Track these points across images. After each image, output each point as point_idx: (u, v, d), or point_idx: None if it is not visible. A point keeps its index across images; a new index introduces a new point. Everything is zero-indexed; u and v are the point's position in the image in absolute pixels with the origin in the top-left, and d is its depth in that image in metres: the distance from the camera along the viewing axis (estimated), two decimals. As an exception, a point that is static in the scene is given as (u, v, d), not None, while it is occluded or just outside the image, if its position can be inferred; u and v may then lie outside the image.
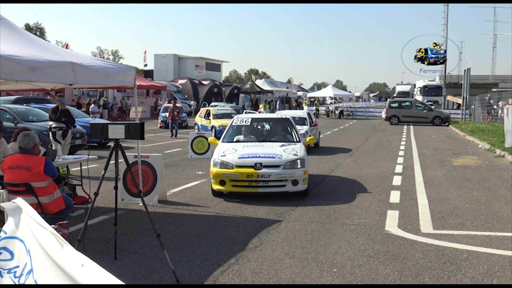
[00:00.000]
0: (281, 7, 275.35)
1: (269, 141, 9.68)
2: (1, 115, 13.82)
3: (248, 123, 10.18)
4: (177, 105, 23.99)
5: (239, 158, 8.47)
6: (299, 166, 8.49)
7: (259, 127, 10.73)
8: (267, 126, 10.90)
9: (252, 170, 8.25)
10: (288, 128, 10.34)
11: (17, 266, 2.27)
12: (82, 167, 8.49)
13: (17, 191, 5.58)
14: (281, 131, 10.37)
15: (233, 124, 10.24)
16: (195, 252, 5.73)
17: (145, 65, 48.89)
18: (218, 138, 19.83)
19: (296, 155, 8.69)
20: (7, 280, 2.29)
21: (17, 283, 2.24)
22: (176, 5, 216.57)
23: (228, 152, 8.72)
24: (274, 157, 8.47)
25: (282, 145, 9.16)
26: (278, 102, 45.46)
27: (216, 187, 8.49)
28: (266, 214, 7.54)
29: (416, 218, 7.32)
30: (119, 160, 5.36)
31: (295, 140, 9.77)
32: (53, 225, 3.80)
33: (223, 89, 46.97)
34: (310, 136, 14.29)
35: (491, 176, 11.35)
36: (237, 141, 9.67)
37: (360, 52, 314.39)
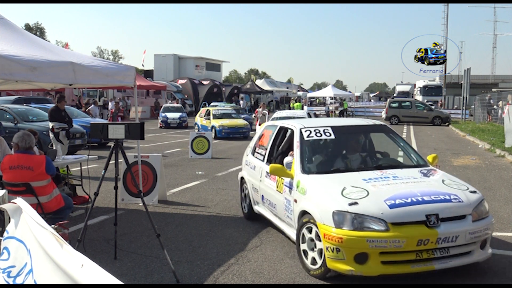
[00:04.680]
0: (281, 7, 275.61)
1: (388, 166, 5.91)
2: (1, 115, 13.82)
3: (333, 136, 6.09)
4: (121, 107, 20.66)
5: (392, 206, 4.70)
6: (487, 212, 5.16)
7: (352, 143, 6.52)
8: (362, 141, 6.64)
9: (425, 229, 4.62)
10: (396, 141, 6.60)
11: (13, 266, 2.27)
12: (82, 167, 8.50)
13: (17, 191, 5.58)
14: (389, 148, 6.82)
15: (306, 139, 5.98)
16: (195, 252, 5.73)
17: (142, 65, 48.99)
18: (218, 139, 20.06)
19: (474, 192, 5.22)
20: (0, 279, 2.29)
21: (11, 283, 2.24)
22: (176, 5, 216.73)
23: (354, 195, 4.89)
24: (450, 200, 4.91)
25: (423, 174, 5.63)
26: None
27: (347, 267, 4.63)
28: (266, 214, 7.54)
29: (416, 218, 7.29)
30: (119, 160, 5.37)
31: (420, 162, 6.14)
32: (53, 225, 3.80)
33: (223, 89, 46.97)
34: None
35: (491, 176, 11.34)
36: (336, 169, 5.76)
37: (360, 52, 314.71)
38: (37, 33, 68.19)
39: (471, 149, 17.66)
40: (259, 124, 17.78)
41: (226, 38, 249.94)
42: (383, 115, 35.16)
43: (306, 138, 5.99)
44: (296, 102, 43.18)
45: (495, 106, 30.06)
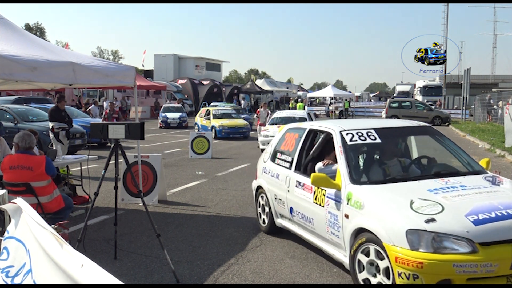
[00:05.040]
0: (281, 7, 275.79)
1: (448, 174, 5.17)
2: (1, 115, 13.82)
3: (378, 140, 5.36)
4: (116, 108, 19.79)
5: (477, 222, 4.05)
6: None
7: (397, 147, 6.06)
8: (406, 145, 6.27)
9: None
10: (444, 145, 5.97)
11: (11, 266, 2.27)
12: (82, 167, 8.50)
13: (17, 191, 5.58)
14: (437, 153, 6.06)
15: (349, 143, 5.26)
16: (195, 252, 5.74)
17: (142, 65, 49.08)
18: (218, 139, 20.03)
19: None
20: None
21: (9, 282, 2.24)
22: (176, 5, 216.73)
23: (427, 209, 4.21)
24: None
25: (491, 183, 4.95)
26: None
27: None
28: (266, 214, 7.54)
29: (416, 218, 7.29)
30: (119, 160, 5.37)
31: (476, 168, 5.49)
32: (53, 225, 3.80)
33: (223, 89, 47.00)
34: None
35: (491, 176, 11.34)
36: (391, 179, 5.07)
37: (360, 52, 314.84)
38: (37, 33, 68.21)
39: (471, 149, 17.65)
40: (261, 124, 17.71)
41: (226, 38, 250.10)
42: (383, 115, 35.21)
43: (349, 143, 5.26)
44: (297, 102, 43.26)
45: (495, 106, 30.09)
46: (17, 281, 2.21)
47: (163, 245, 5.01)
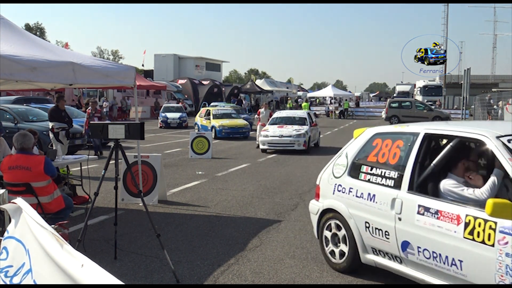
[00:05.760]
0: (281, 7, 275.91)
1: None
2: (1, 115, 13.82)
3: None
4: (98, 107, 18.20)
5: None
6: None
7: None
8: None
9: None
10: None
11: (10, 266, 2.27)
12: (82, 167, 8.50)
13: (17, 191, 5.58)
14: None
15: (504, 148, 3.92)
16: (195, 252, 5.74)
17: (142, 65, 49.13)
18: (218, 139, 19.99)
19: None
20: None
21: (8, 282, 2.23)
22: (176, 5, 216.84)
23: None
24: None
25: None
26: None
27: None
28: (266, 214, 7.55)
29: (416, 218, 7.29)
30: (119, 160, 5.37)
31: None
32: (53, 225, 3.80)
33: (223, 89, 46.99)
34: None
35: (491, 176, 11.32)
36: None
37: (360, 52, 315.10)
38: (37, 33, 68.22)
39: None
40: (263, 125, 17.63)
41: (226, 38, 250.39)
42: (383, 115, 35.28)
43: (497, 147, 3.91)
44: (296, 102, 43.30)
45: (495, 106, 30.09)
46: (15, 280, 2.21)
47: (163, 245, 5.01)
